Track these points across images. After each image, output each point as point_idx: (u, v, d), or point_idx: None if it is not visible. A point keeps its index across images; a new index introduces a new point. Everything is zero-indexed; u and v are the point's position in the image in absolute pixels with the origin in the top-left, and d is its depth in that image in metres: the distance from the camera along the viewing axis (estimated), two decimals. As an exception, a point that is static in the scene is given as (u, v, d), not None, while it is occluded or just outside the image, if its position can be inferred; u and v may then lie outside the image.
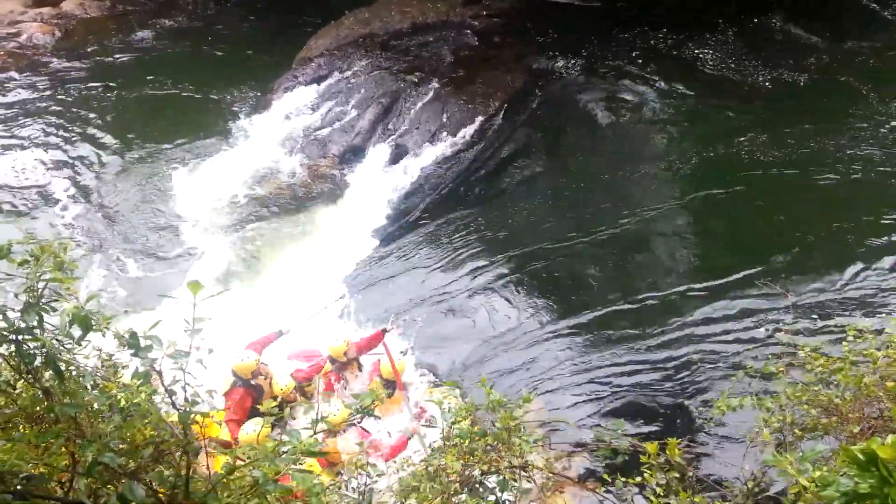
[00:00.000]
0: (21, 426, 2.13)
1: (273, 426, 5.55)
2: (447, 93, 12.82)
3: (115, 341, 2.10)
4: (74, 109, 14.17)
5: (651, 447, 2.63)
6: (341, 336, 7.81)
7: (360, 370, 8.03)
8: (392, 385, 7.60)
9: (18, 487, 1.96)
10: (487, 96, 12.73)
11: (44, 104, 14.30)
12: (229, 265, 10.77)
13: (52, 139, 13.24)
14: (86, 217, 11.57)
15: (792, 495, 2.45)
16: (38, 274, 2.10)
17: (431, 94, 12.83)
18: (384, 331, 8.04)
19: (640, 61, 13.64)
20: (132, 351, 1.99)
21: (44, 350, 1.99)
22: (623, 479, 2.86)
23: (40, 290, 2.13)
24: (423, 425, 6.96)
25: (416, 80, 13.23)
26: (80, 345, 2.06)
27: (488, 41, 14.45)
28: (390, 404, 7.48)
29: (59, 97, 14.53)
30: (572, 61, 13.72)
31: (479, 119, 12.29)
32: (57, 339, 2.04)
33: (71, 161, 12.75)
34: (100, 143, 13.21)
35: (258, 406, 7.17)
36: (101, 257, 10.77)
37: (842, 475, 2.61)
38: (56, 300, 2.10)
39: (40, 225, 11.32)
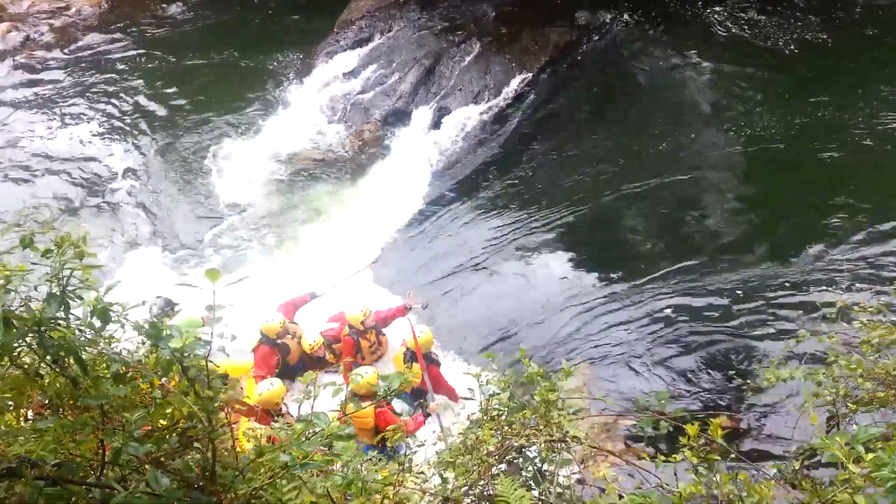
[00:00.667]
0: (48, 415, 2.16)
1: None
2: (490, 51, 12.53)
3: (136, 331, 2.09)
4: (122, 81, 14.43)
5: (691, 429, 2.52)
6: (361, 304, 7.75)
7: (379, 341, 7.98)
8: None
9: (50, 475, 1.99)
10: (531, 54, 12.39)
11: (93, 77, 14.60)
12: (274, 233, 10.90)
13: (102, 112, 13.56)
14: (137, 189, 11.85)
15: (841, 480, 2.32)
16: (60, 264, 2.10)
17: (474, 53, 12.56)
18: (406, 308, 8.02)
19: (689, 18, 13.01)
20: (151, 341, 1.99)
21: (66, 342, 1.99)
22: (663, 459, 2.77)
23: (64, 280, 2.13)
24: (463, 398, 6.95)
25: (458, 39, 12.96)
26: (101, 336, 2.06)
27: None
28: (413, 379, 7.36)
29: (106, 69, 14.81)
30: (618, 17, 13.21)
31: (523, 77, 12.01)
32: (79, 330, 2.04)
33: (121, 134, 13.05)
34: (148, 114, 13.47)
35: (288, 362, 7.65)
36: (149, 229, 11.04)
37: (898, 454, 2.47)
38: (76, 290, 2.10)
39: (97, 199, 11.69)
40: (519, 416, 3.63)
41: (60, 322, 2.05)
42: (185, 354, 2.07)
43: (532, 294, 8.82)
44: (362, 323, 7.62)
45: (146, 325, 2.00)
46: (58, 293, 2.11)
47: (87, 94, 14.07)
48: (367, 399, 5.67)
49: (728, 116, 10.77)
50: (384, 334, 8.09)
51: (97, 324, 2.01)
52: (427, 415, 6.73)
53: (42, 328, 2.03)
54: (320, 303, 8.31)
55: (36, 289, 2.05)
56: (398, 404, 6.99)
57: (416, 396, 7.19)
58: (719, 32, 12.63)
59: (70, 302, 2.09)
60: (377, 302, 8.25)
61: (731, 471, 2.97)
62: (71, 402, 2.16)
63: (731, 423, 6.25)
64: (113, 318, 2.02)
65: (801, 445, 3.32)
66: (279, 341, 7.57)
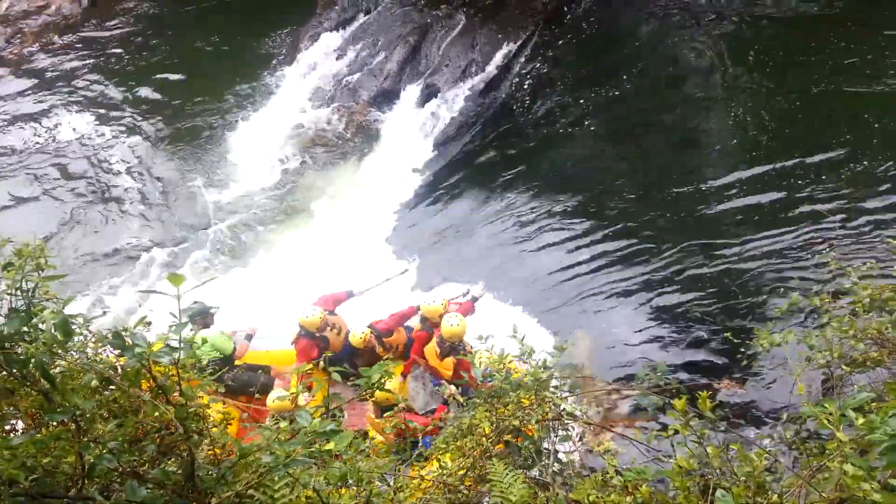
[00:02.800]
0: (22, 430, 2.13)
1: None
2: (476, 23, 12.35)
3: (103, 339, 2.05)
4: (105, 76, 14.32)
5: (678, 404, 2.49)
6: (438, 296, 7.20)
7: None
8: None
9: (28, 490, 1.96)
10: (518, 23, 12.21)
11: (75, 74, 14.49)
12: (270, 219, 10.89)
13: (87, 108, 13.51)
14: (130, 186, 11.81)
15: (833, 448, 2.29)
16: (20, 278, 2.05)
17: (460, 26, 12.39)
18: (474, 300, 7.60)
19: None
20: (118, 351, 1.95)
21: (32, 356, 1.96)
22: (655, 433, 2.74)
23: (28, 294, 2.09)
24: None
25: (443, 13, 12.77)
26: (65, 350, 2.02)
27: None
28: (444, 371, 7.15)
29: (88, 65, 14.69)
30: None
31: (510, 48, 11.85)
32: (44, 344, 2.00)
33: (110, 129, 12.97)
34: (136, 108, 13.41)
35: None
36: (141, 223, 11.04)
37: (891, 416, 2.43)
38: (41, 301, 2.06)
39: (96, 187, 11.70)
40: (514, 396, 3.60)
41: (25, 337, 2.02)
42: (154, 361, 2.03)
43: (531, 267, 8.79)
44: (441, 315, 6.83)
45: (109, 335, 1.96)
46: (21, 307, 2.08)
47: (70, 92, 13.97)
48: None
49: (723, 82, 10.57)
50: None
51: (59, 337, 1.97)
52: (445, 402, 6.50)
53: (7, 344, 2.00)
54: (356, 301, 8.04)
55: (-6, 304, 2.01)
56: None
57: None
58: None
59: (33, 318, 2.06)
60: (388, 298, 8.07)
61: (727, 438, 2.95)
62: (42, 417, 2.14)
63: (735, 386, 6.25)
64: (75, 331, 1.97)
65: (790, 414, 3.29)
66: (318, 335, 7.29)
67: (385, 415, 6.10)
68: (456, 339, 6.44)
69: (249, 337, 7.50)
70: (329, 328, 7.40)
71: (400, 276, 8.38)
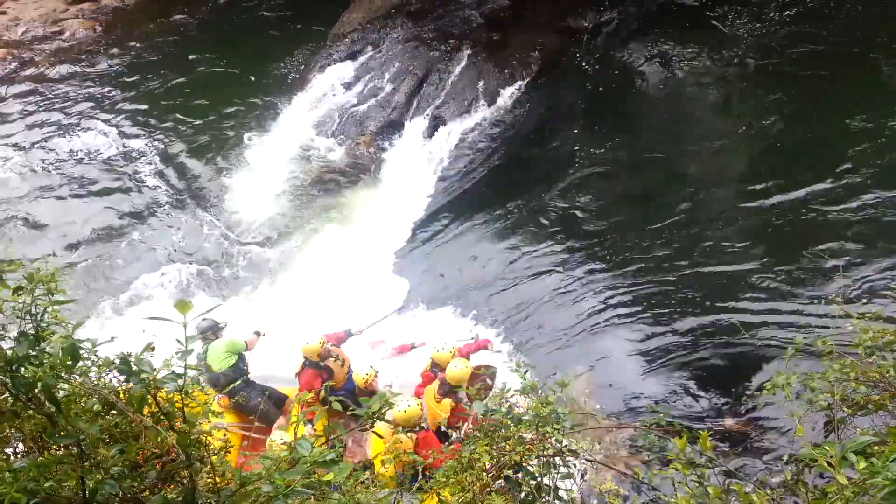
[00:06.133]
0: (22, 453, 2.14)
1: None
2: (481, 59, 12.52)
3: (111, 364, 2.07)
4: (119, 102, 14.52)
5: (679, 443, 2.49)
6: (448, 343, 7.29)
7: None
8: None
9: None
10: (523, 60, 12.38)
11: (88, 99, 14.68)
12: (274, 251, 10.94)
13: (101, 133, 13.65)
14: (142, 211, 11.94)
15: (833, 490, 2.28)
16: (30, 302, 2.08)
17: (465, 61, 12.55)
18: (490, 343, 7.80)
19: (684, 19, 12.89)
20: (124, 377, 1.96)
21: (39, 380, 1.97)
22: (655, 472, 2.73)
23: (37, 317, 2.12)
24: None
25: (449, 48, 12.95)
26: (72, 373, 2.04)
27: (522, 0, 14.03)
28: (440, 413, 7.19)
29: (102, 90, 14.90)
30: (610, 18, 13.18)
31: (516, 85, 11.99)
32: (51, 368, 2.02)
33: (123, 154, 13.12)
34: (148, 134, 13.55)
35: (332, 387, 7.18)
36: (147, 245, 11.12)
37: (893, 460, 2.42)
38: (49, 325, 2.09)
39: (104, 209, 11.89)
40: (513, 431, 3.59)
41: (33, 360, 2.04)
42: (159, 388, 2.05)
43: (535, 302, 8.79)
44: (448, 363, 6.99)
45: (116, 361, 1.98)
46: (29, 331, 2.10)
47: (83, 115, 14.16)
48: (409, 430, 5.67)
49: (726, 119, 10.66)
50: None
51: (67, 361, 1.99)
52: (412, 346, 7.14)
53: (14, 367, 2.01)
54: (356, 341, 8.09)
55: (4, 328, 2.03)
56: None
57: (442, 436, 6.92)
58: (716, 33, 12.54)
59: (42, 342, 2.08)
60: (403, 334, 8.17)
61: (728, 479, 2.94)
62: (46, 441, 2.14)
63: (737, 425, 6.21)
64: (83, 356, 1.99)
65: (792, 454, 3.27)
66: (322, 364, 7.29)
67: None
68: (459, 382, 6.53)
69: (258, 333, 7.68)
70: (333, 359, 7.41)
71: (396, 314, 8.48)
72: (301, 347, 7.25)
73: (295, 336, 7.43)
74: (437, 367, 7.25)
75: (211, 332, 7.40)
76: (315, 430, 6.20)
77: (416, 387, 7.46)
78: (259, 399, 6.90)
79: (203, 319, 7.40)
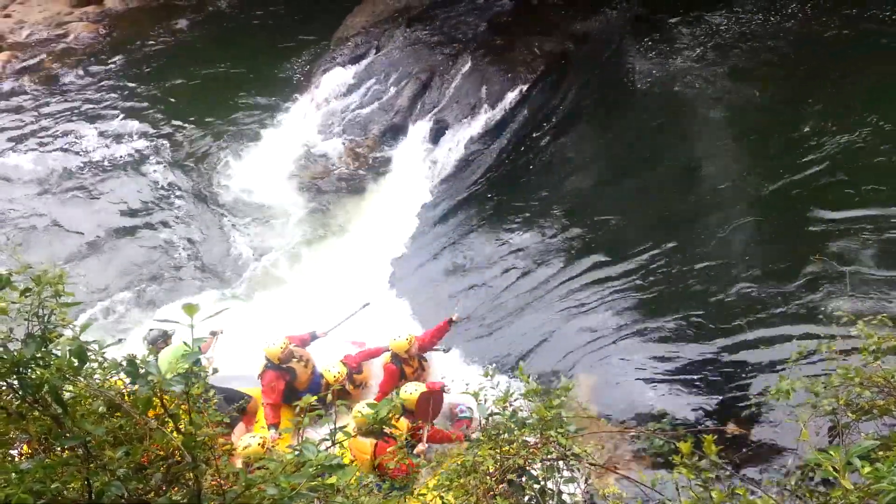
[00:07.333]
0: (28, 453, 2.15)
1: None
2: (485, 63, 12.54)
3: (117, 365, 2.08)
4: (122, 104, 14.57)
5: (684, 447, 2.48)
6: (405, 331, 7.39)
7: (422, 367, 7.64)
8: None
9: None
10: (526, 64, 12.38)
11: (93, 101, 14.77)
12: (275, 255, 10.96)
13: (105, 135, 13.74)
14: (144, 216, 11.96)
15: (837, 495, 2.28)
16: (37, 304, 2.09)
17: (469, 65, 12.57)
18: (450, 321, 7.79)
19: (685, 23, 12.88)
20: (130, 379, 1.97)
21: (46, 381, 1.98)
22: (660, 478, 2.73)
23: (44, 319, 2.12)
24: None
25: (452, 52, 12.98)
26: (79, 375, 2.04)
27: (526, 4, 14.06)
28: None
29: (107, 93, 14.98)
30: (614, 22, 13.18)
31: (519, 89, 11.99)
32: (58, 369, 2.03)
33: (127, 158, 13.17)
34: (151, 136, 13.62)
35: (296, 387, 7.28)
36: (148, 249, 11.14)
37: (897, 465, 2.42)
38: (57, 327, 2.09)
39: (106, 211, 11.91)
40: (517, 434, 3.59)
41: (40, 362, 2.04)
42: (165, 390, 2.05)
43: (535, 305, 8.77)
44: (407, 351, 7.30)
45: (124, 363, 1.99)
46: (37, 333, 2.11)
47: (87, 118, 14.24)
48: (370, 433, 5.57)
49: (730, 124, 10.59)
50: (427, 359, 7.78)
51: (74, 363, 1.99)
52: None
53: (21, 369, 2.02)
54: (321, 343, 8.07)
55: (11, 331, 2.04)
56: None
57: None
58: (718, 36, 12.52)
59: (48, 343, 2.09)
60: (384, 330, 7.97)
61: (732, 483, 2.93)
62: (51, 442, 2.15)
63: (740, 430, 6.19)
64: (90, 357, 2.00)
65: (796, 459, 3.27)
66: (284, 365, 7.30)
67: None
68: (409, 404, 6.38)
69: (213, 333, 7.51)
70: (295, 359, 7.40)
71: (362, 311, 8.40)
72: (263, 349, 7.26)
73: (266, 337, 7.43)
74: (397, 358, 7.32)
75: (161, 340, 7.31)
76: (280, 434, 6.19)
77: (383, 381, 7.46)
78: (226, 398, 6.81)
79: (150, 330, 7.50)
